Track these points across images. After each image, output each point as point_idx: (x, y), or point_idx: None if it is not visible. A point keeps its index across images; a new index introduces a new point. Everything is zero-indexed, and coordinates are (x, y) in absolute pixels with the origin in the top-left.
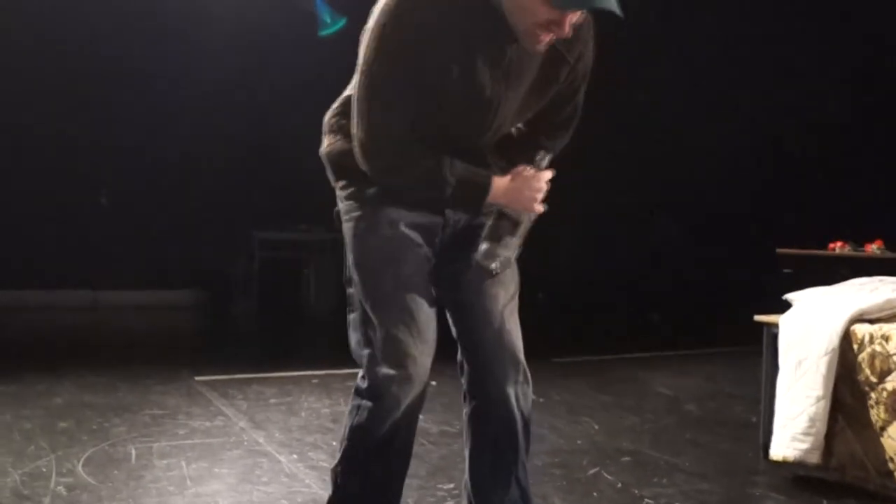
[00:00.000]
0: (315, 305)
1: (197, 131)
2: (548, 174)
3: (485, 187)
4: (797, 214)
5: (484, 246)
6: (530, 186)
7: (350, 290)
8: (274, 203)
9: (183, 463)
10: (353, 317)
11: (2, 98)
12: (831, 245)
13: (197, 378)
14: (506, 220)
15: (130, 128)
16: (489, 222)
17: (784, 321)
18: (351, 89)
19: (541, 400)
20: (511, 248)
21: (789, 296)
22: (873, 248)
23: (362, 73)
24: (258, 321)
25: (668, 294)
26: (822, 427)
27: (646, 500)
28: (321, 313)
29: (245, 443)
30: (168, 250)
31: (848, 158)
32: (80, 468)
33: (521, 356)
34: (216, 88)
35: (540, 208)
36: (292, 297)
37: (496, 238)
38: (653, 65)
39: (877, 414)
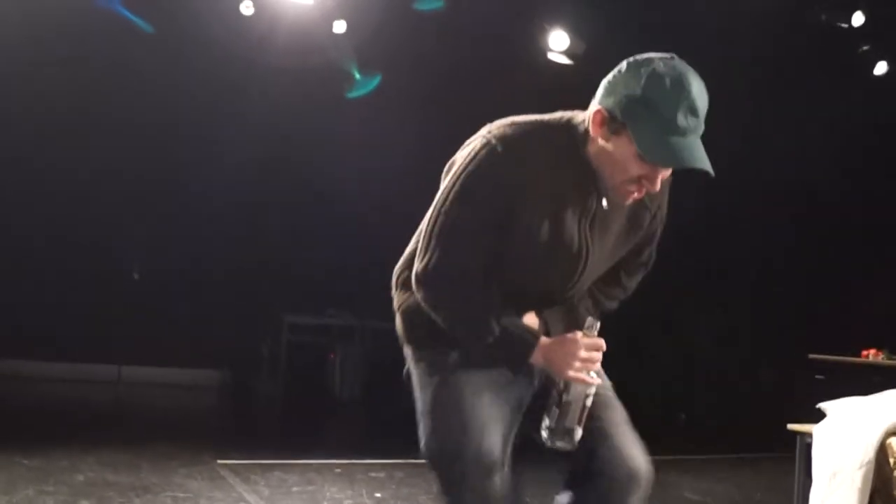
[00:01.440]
0: (340, 391)
1: (229, 213)
2: (594, 342)
3: (529, 344)
4: (831, 319)
5: (546, 423)
6: (569, 351)
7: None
8: (302, 287)
9: None
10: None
11: (33, 170)
12: (864, 352)
13: (220, 461)
14: (567, 397)
15: (164, 205)
16: (553, 396)
17: (818, 431)
18: (415, 242)
19: None
20: (573, 423)
21: (823, 405)
22: None
23: (437, 211)
24: (283, 404)
25: (698, 396)
26: None
27: None
28: (346, 399)
29: None
30: (195, 329)
31: (884, 264)
32: None
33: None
34: (249, 169)
35: (573, 375)
36: (318, 382)
37: (559, 414)
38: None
39: None
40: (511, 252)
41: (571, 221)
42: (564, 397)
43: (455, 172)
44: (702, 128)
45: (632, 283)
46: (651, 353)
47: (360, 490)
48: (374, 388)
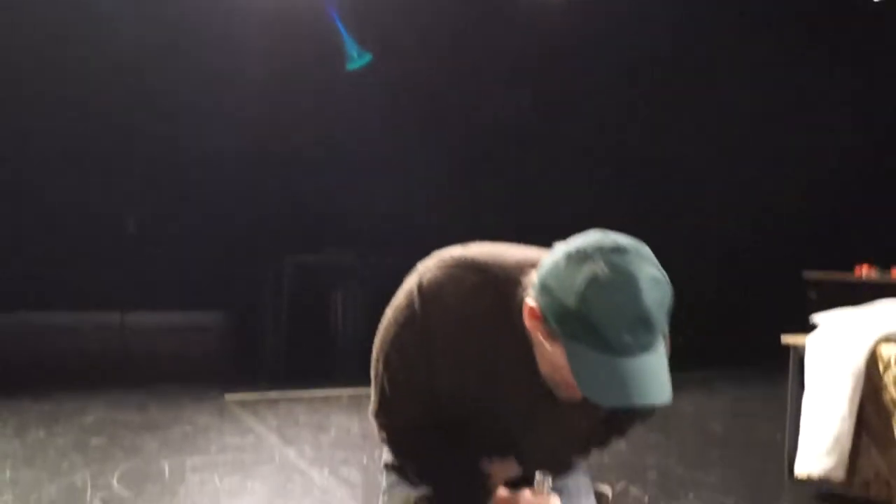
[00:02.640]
0: (343, 327)
1: (226, 155)
2: (542, 501)
3: (477, 499)
4: (824, 237)
5: None
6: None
7: None
8: (303, 226)
9: (216, 478)
10: None
11: (32, 121)
12: (857, 268)
13: (228, 397)
14: None
15: (161, 150)
16: None
17: (811, 342)
18: None
19: None
20: None
21: (816, 317)
22: None
23: (375, 355)
24: (287, 342)
25: (694, 316)
26: (846, 445)
27: None
28: (349, 334)
29: (277, 459)
30: (196, 272)
31: (876, 181)
32: (114, 482)
33: None
34: (246, 111)
35: None
36: (320, 319)
37: None
38: (675, 87)
39: None
40: (450, 412)
41: (504, 395)
42: None
43: (383, 325)
44: (658, 337)
45: (629, 429)
46: None
47: (366, 417)
48: (376, 323)
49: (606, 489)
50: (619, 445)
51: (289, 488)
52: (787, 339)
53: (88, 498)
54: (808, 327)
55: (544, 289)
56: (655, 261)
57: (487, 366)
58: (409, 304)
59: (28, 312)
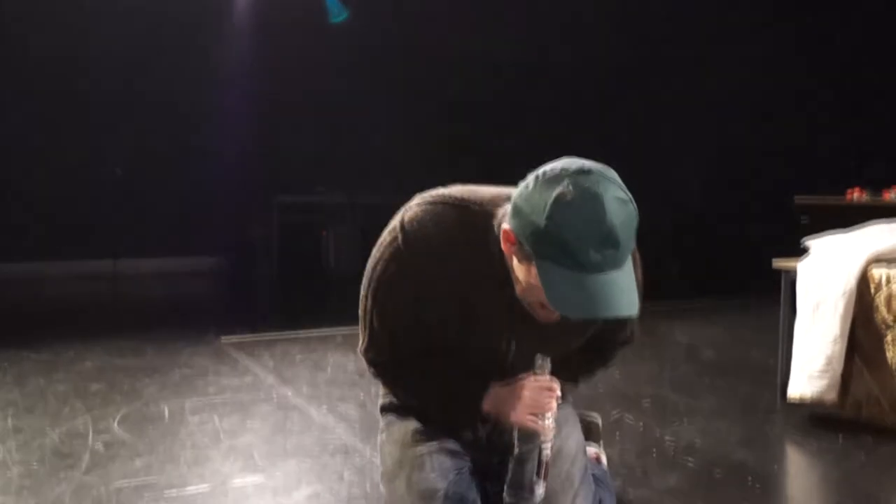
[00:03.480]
0: (335, 267)
1: (214, 98)
2: (543, 383)
3: (473, 395)
4: (815, 161)
5: (507, 479)
6: (516, 395)
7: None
8: (291, 167)
9: (216, 418)
10: None
11: (22, 72)
12: (849, 192)
13: (224, 339)
14: (522, 448)
15: (149, 92)
16: (512, 464)
17: (802, 265)
18: None
19: None
20: (531, 477)
21: (807, 241)
22: (892, 195)
23: (362, 295)
24: (280, 283)
25: (686, 245)
26: (838, 367)
27: (666, 439)
28: (341, 275)
29: (275, 398)
30: (187, 217)
31: (865, 102)
32: (115, 426)
33: None
34: (235, 56)
35: (521, 421)
36: (312, 260)
37: (515, 467)
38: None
39: (892, 353)
40: (436, 340)
41: (486, 318)
42: (518, 449)
43: (370, 264)
44: (625, 255)
45: (611, 356)
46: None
47: None
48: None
49: (596, 417)
50: (613, 376)
51: (288, 426)
52: (779, 263)
53: (90, 442)
54: (801, 252)
55: (516, 211)
56: (621, 183)
57: (469, 293)
58: (393, 240)
59: (21, 263)
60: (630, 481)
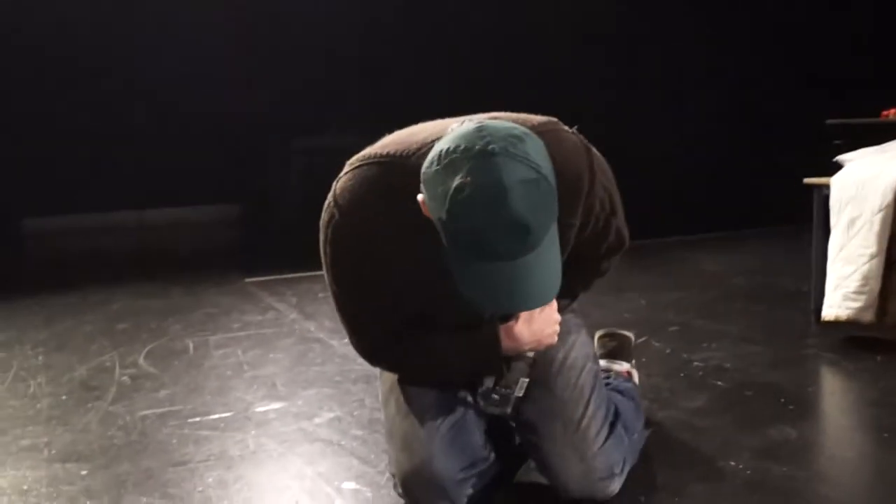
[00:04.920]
0: None
1: (228, 47)
2: (551, 310)
3: (493, 341)
4: (848, 82)
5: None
6: (551, 318)
7: None
8: (306, 110)
9: (239, 351)
10: None
11: (43, 27)
12: (884, 112)
13: (247, 280)
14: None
15: (165, 43)
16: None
17: (835, 181)
18: None
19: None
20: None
21: (841, 157)
22: None
23: (329, 287)
24: (301, 226)
25: (716, 175)
26: (875, 285)
27: (694, 363)
28: None
29: (297, 331)
30: (207, 166)
31: None
32: (141, 361)
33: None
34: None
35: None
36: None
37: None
38: None
39: None
40: (409, 308)
41: (447, 272)
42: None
43: (320, 251)
44: (540, 236)
45: (603, 265)
46: (663, 133)
47: None
48: None
49: (629, 334)
50: (638, 303)
51: (310, 357)
52: (811, 179)
53: (117, 376)
54: (834, 169)
55: (425, 197)
56: (532, 155)
57: (420, 253)
58: (331, 218)
59: (49, 217)
60: (657, 403)
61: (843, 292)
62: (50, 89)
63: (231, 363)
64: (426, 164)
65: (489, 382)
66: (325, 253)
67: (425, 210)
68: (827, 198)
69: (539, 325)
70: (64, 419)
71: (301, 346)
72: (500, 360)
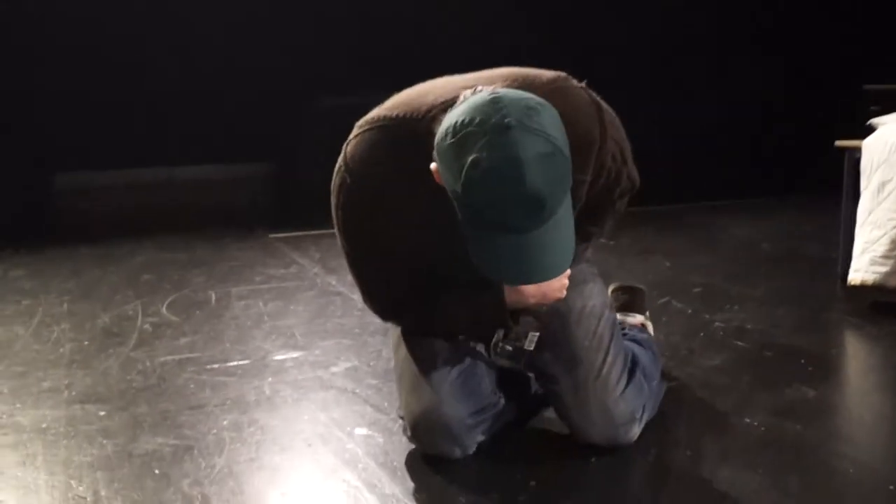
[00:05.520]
0: None
1: (256, 6)
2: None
3: (498, 295)
4: (885, 48)
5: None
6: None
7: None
8: (334, 69)
9: (260, 303)
10: None
11: None
12: None
13: (272, 235)
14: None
15: (200, 1)
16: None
17: (867, 144)
18: None
19: (610, 243)
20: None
21: (874, 120)
22: None
23: (342, 250)
24: (328, 184)
25: (752, 143)
26: None
27: (716, 323)
28: None
29: (319, 285)
30: (238, 124)
31: None
32: (164, 310)
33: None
34: None
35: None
36: None
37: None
38: None
39: None
40: (422, 270)
41: (459, 241)
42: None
43: (332, 215)
44: (554, 209)
45: (618, 206)
46: (694, 100)
47: None
48: None
49: (642, 287)
50: (662, 265)
51: (330, 309)
52: (842, 142)
53: (139, 324)
54: (867, 133)
55: (439, 167)
56: (547, 127)
57: (431, 215)
58: (343, 182)
59: (79, 172)
60: (674, 360)
61: (870, 256)
62: (85, 45)
63: (252, 314)
64: (440, 135)
65: (499, 336)
66: (337, 216)
67: (438, 178)
68: (858, 161)
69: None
70: (85, 363)
71: (322, 299)
72: (506, 314)
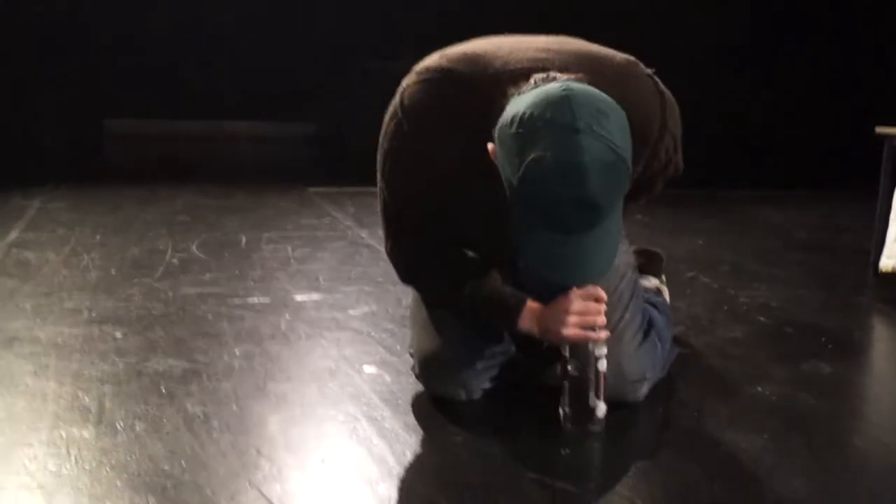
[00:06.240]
0: None
1: None
2: (589, 291)
3: (510, 309)
4: None
5: (561, 409)
6: (561, 308)
7: None
8: (375, 31)
9: (289, 248)
10: None
11: None
12: None
13: (310, 189)
14: (574, 365)
15: None
16: (567, 385)
17: None
18: None
19: (645, 219)
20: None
21: None
22: None
23: (378, 188)
24: (371, 145)
25: (789, 131)
26: None
27: (740, 299)
28: None
29: (349, 237)
30: (287, 84)
31: None
32: (193, 248)
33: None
34: None
35: (570, 333)
36: None
37: (570, 392)
38: None
39: None
40: (455, 231)
41: (500, 210)
42: (571, 368)
43: (379, 156)
44: (605, 215)
45: (658, 187)
46: (733, 89)
47: None
48: None
49: (660, 251)
50: (694, 243)
51: (357, 259)
52: (882, 129)
53: (167, 258)
54: None
55: (498, 151)
56: (615, 135)
57: (476, 183)
58: (399, 127)
59: (128, 119)
60: (693, 329)
61: None
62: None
63: (279, 257)
64: (504, 120)
65: (566, 403)
66: (384, 159)
67: (493, 157)
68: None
69: (581, 306)
70: (109, 289)
71: (350, 248)
72: (511, 330)
